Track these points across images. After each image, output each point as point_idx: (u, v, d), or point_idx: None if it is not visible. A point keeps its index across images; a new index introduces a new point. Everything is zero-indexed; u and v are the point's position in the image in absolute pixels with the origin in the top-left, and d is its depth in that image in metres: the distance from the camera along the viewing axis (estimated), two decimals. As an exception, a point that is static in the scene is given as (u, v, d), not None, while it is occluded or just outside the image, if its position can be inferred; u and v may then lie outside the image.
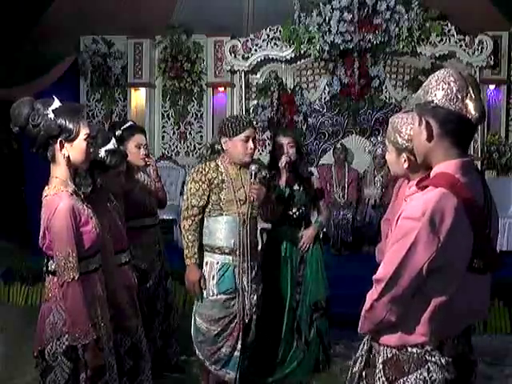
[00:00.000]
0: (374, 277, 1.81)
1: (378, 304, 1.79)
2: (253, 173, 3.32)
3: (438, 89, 1.76)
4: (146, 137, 3.86)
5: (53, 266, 2.37)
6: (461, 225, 1.71)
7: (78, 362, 2.35)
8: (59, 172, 2.36)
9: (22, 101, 2.32)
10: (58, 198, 2.30)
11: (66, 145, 2.32)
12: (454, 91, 1.74)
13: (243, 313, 3.44)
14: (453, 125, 1.76)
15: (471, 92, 1.75)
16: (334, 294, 4.16)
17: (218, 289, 3.41)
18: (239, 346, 3.46)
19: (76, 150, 2.35)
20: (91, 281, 2.42)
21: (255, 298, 3.49)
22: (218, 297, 3.41)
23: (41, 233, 2.36)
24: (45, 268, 2.43)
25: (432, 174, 1.80)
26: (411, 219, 1.71)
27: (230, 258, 3.41)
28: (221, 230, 3.41)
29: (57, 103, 2.32)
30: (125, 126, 3.78)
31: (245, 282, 3.44)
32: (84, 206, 2.40)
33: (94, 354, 2.34)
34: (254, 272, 3.49)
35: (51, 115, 2.28)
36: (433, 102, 1.76)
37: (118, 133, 3.68)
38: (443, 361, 1.80)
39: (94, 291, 2.43)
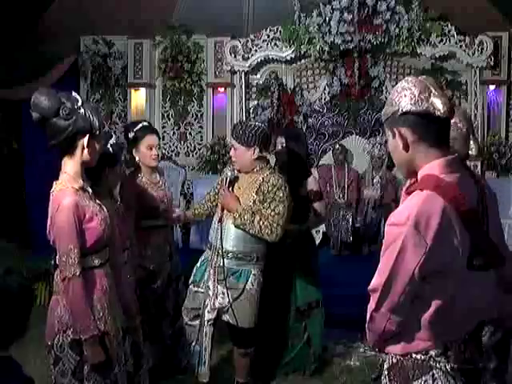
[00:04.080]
0: (368, 288, 1.80)
1: (377, 314, 1.79)
2: (227, 178, 3.45)
3: (401, 97, 1.77)
4: (159, 137, 3.88)
5: (58, 260, 2.41)
6: (451, 225, 1.70)
7: (83, 355, 2.40)
8: (70, 167, 2.41)
9: (47, 91, 2.34)
10: (63, 194, 2.35)
11: (91, 141, 2.39)
12: (417, 94, 1.75)
13: (203, 310, 3.47)
14: (425, 127, 1.76)
15: (433, 90, 1.76)
16: (333, 295, 4.15)
17: (192, 279, 3.61)
18: (203, 343, 3.52)
19: (97, 146, 2.44)
20: (96, 276, 2.45)
21: (220, 300, 3.43)
22: (191, 286, 3.61)
23: (48, 227, 2.41)
24: (53, 261, 2.48)
25: (419, 177, 1.80)
26: (397, 225, 1.71)
27: (209, 252, 3.53)
28: (212, 224, 3.59)
29: (79, 99, 2.37)
30: (137, 128, 3.83)
31: (210, 282, 3.46)
32: (91, 203, 2.44)
33: (94, 350, 2.38)
34: (227, 275, 3.41)
35: (82, 111, 2.34)
36: (399, 110, 1.76)
37: (131, 135, 3.74)
38: (448, 367, 1.78)
39: (99, 286, 2.46)
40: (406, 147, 1.78)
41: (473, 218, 1.74)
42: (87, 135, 2.36)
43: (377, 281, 1.77)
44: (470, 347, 1.82)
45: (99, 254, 2.47)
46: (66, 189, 2.36)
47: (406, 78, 1.83)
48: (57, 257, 2.42)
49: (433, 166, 1.76)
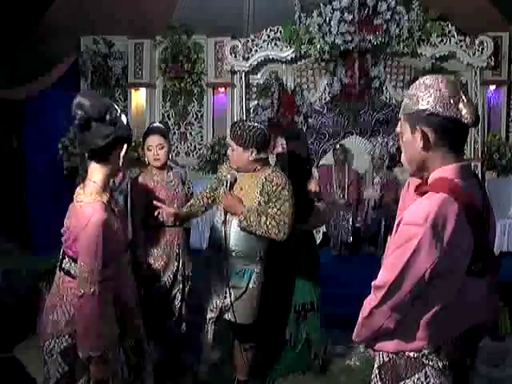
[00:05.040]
0: (373, 283, 1.79)
1: (377, 311, 1.78)
2: (228, 182, 3.43)
3: (430, 96, 1.74)
4: (164, 136, 3.87)
5: (67, 265, 2.36)
6: (462, 229, 1.70)
7: (76, 365, 2.34)
8: (100, 176, 2.31)
9: (94, 94, 2.33)
10: (93, 209, 2.25)
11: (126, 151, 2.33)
12: (447, 97, 1.73)
13: (209, 308, 3.49)
14: (449, 132, 1.75)
15: (463, 96, 1.74)
16: (333, 294, 4.15)
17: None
18: (204, 342, 3.54)
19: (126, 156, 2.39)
20: (103, 289, 2.38)
21: (223, 299, 3.44)
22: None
23: (66, 234, 2.33)
24: (59, 263, 2.42)
25: (430, 179, 1.79)
26: (413, 225, 1.70)
27: (212, 251, 3.52)
28: (213, 223, 3.58)
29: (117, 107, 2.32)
30: (145, 129, 3.96)
31: (213, 280, 3.47)
32: (114, 218, 2.36)
33: (99, 367, 2.32)
34: (230, 275, 3.41)
35: (124, 119, 2.28)
36: (426, 110, 1.74)
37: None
38: (440, 365, 1.79)
39: (105, 299, 2.39)
40: (426, 147, 1.77)
41: (479, 225, 1.75)
42: (125, 144, 2.30)
43: (384, 278, 1.75)
44: (460, 346, 1.83)
45: (109, 267, 2.41)
46: (96, 202, 2.26)
47: (436, 76, 1.80)
48: (64, 260, 2.37)
49: (446, 170, 1.76)
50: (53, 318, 2.37)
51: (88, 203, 2.27)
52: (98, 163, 2.31)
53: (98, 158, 2.30)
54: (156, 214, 3.58)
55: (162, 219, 3.66)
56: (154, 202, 3.62)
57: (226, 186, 3.43)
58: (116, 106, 2.31)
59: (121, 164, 2.33)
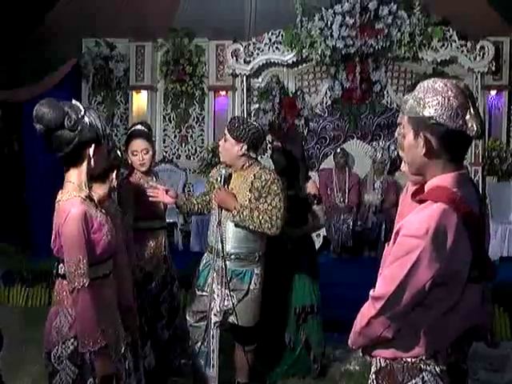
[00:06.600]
0: (371, 294, 1.77)
1: (375, 321, 1.76)
2: (222, 176, 3.43)
3: (437, 104, 1.70)
4: (148, 139, 3.79)
5: (62, 270, 2.35)
6: (461, 240, 1.69)
7: (84, 366, 2.34)
8: (76, 177, 2.33)
9: (49, 102, 2.27)
10: (70, 204, 2.28)
11: (97, 150, 2.32)
12: (455, 107, 1.69)
13: (209, 313, 3.47)
14: (452, 142, 1.73)
15: (471, 108, 1.71)
16: (333, 298, 4.15)
17: (196, 283, 3.58)
18: (211, 346, 3.52)
19: (103, 154, 2.38)
20: (100, 287, 2.39)
21: (226, 303, 3.44)
22: (195, 290, 3.59)
23: (53, 236, 2.35)
24: (55, 271, 2.42)
25: (427, 186, 1.77)
26: (413, 237, 1.67)
27: (211, 255, 3.50)
28: (209, 227, 3.58)
29: (82, 107, 2.30)
30: (129, 131, 3.88)
31: (214, 285, 3.46)
32: (97, 212, 2.38)
33: (103, 362, 2.32)
34: (231, 277, 3.42)
35: (86, 120, 2.27)
36: (432, 118, 1.70)
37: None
38: (438, 369, 1.77)
39: (103, 297, 2.40)
40: (429, 155, 1.75)
41: (478, 233, 1.74)
42: (93, 145, 2.30)
43: (383, 289, 1.74)
44: (456, 349, 1.82)
45: (104, 264, 2.42)
46: (73, 198, 2.29)
47: (445, 82, 1.74)
48: (59, 266, 2.37)
49: (445, 178, 1.74)
50: (56, 324, 2.37)
51: (66, 200, 2.30)
52: (70, 168, 2.34)
53: (69, 163, 2.33)
54: (152, 197, 3.59)
55: (157, 200, 3.63)
56: (150, 184, 3.61)
57: (221, 180, 3.44)
58: (80, 107, 2.29)
59: (93, 163, 2.33)
